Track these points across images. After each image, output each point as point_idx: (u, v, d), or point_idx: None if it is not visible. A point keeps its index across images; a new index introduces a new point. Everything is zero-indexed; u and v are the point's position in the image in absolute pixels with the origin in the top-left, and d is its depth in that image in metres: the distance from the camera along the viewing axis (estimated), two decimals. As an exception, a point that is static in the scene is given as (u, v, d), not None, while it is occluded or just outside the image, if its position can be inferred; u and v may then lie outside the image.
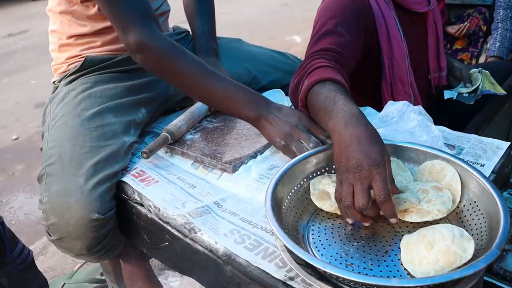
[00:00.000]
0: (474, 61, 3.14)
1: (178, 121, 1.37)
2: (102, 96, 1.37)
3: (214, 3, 1.73)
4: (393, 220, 0.89)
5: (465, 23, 3.00)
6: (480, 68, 1.76)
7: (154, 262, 1.99)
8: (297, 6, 7.65)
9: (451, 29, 3.04)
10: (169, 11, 1.69)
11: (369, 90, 1.63)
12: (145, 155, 1.27)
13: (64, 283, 1.96)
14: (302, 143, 1.15)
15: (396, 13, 1.61)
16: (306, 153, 1.04)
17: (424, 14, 1.71)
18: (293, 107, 1.28)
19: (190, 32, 1.76)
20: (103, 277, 1.93)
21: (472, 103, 1.67)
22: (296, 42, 5.96)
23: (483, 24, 3.08)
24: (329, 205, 0.97)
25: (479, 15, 3.10)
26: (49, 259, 2.44)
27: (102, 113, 1.33)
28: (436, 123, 1.34)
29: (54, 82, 1.53)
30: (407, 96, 1.62)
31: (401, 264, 0.84)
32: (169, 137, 1.31)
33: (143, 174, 1.25)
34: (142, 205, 1.19)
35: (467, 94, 1.70)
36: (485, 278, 1.71)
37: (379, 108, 1.38)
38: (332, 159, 0.97)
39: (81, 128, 1.28)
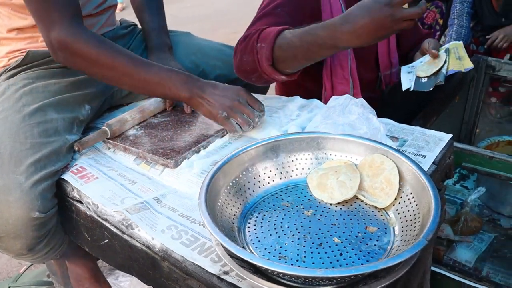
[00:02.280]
0: (432, 55, 3.21)
1: (121, 116, 1.37)
2: (44, 92, 1.36)
3: None
4: None
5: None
6: (447, 47, 1.60)
7: (105, 262, 1.98)
8: (259, 0, 7.66)
9: None
10: (116, 5, 1.68)
11: (313, 70, 1.62)
12: (76, 148, 1.28)
13: (9, 287, 1.93)
14: (245, 116, 1.25)
15: (346, 3, 1.64)
16: (245, 146, 1.06)
17: None
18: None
19: (138, 25, 1.76)
20: (50, 279, 1.91)
21: (431, 89, 1.50)
22: (258, 37, 5.97)
23: (440, 18, 3.16)
24: (327, 196, 1.01)
25: (435, 8, 3.18)
26: (-7, 262, 2.41)
27: (44, 109, 1.31)
28: (386, 115, 1.37)
29: None
30: (345, 81, 1.66)
31: (333, 240, 0.87)
32: (108, 131, 1.31)
33: (83, 170, 1.25)
34: (81, 202, 1.19)
35: (425, 79, 1.53)
36: (435, 269, 1.77)
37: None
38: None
39: (22, 124, 1.26)
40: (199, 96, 1.28)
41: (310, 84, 1.74)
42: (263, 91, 1.75)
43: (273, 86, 1.98)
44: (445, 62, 1.53)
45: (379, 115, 1.28)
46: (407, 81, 1.57)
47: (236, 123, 1.26)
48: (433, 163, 1.17)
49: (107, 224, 1.10)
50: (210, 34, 5.83)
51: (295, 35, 1.27)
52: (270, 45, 1.29)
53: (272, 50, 1.29)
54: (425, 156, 1.19)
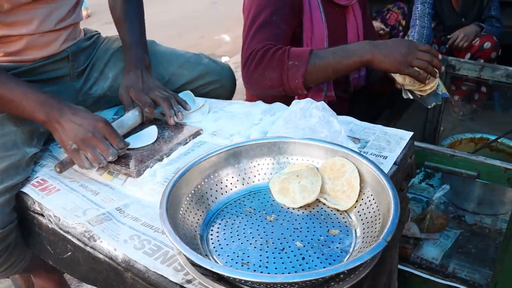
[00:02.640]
0: (396, 56, 3.26)
1: None
2: None
3: (143, 4, 1.69)
4: None
5: (383, 30, 3.15)
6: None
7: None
8: (227, 4, 7.68)
9: None
10: (79, 22, 1.63)
11: None
12: (58, 170, 1.23)
13: (-27, 303, 1.90)
14: (98, 151, 1.18)
15: (322, 1, 1.75)
16: (207, 153, 1.06)
17: (345, 9, 1.82)
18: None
19: (100, 34, 1.74)
20: (16, 294, 1.88)
21: (430, 107, 1.67)
22: (225, 41, 5.99)
23: (402, 19, 3.21)
24: (289, 200, 1.02)
25: (398, 10, 3.23)
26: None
27: (2, 123, 1.29)
28: (354, 115, 1.40)
29: None
30: None
31: (296, 245, 0.88)
32: None
33: (44, 183, 1.23)
34: (43, 215, 1.17)
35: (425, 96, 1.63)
36: (403, 267, 1.79)
37: None
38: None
39: None
40: (56, 121, 1.21)
41: None
42: (228, 98, 1.75)
43: (240, 92, 1.99)
44: (438, 84, 1.62)
45: (348, 114, 1.36)
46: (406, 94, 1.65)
47: (86, 158, 1.20)
48: (394, 163, 1.19)
49: (69, 237, 1.09)
50: (178, 39, 5.82)
51: (327, 52, 1.53)
52: (305, 63, 1.49)
53: (306, 67, 1.49)
54: (386, 157, 1.20)
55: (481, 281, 1.74)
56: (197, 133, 1.36)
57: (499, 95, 3.16)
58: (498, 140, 2.15)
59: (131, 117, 1.42)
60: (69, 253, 1.12)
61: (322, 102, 1.21)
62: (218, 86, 1.73)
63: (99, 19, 6.64)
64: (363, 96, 2.07)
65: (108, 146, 1.19)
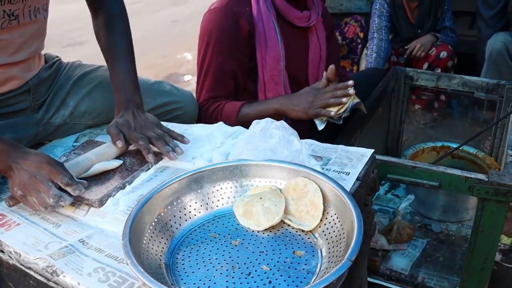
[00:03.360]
0: (355, 68, 3.32)
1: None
2: None
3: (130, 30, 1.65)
4: None
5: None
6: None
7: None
8: (188, 22, 7.68)
9: None
10: (40, 54, 1.60)
11: (251, 86, 1.92)
12: (10, 203, 1.20)
13: None
14: (42, 194, 1.14)
15: (279, 22, 1.84)
16: (167, 180, 1.05)
17: (306, 30, 1.89)
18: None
19: (61, 59, 1.70)
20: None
21: (341, 122, 1.75)
22: (187, 60, 5.98)
23: (360, 31, 3.27)
24: (254, 223, 1.02)
25: (355, 22, 3.29)
26: None
27: None
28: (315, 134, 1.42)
29: None
30: (278, 95, 1.86)
31: (262, 268, 0.87)
32: None
33: (3, 218, 1.20)
34: (2, 251, 1.14)
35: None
36: (372, 280, 1.80)
37: None
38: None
39: None
40: (9, 168, 1.18)
41: (246, 99, 1.87)
42: (191, 123, 1.75)
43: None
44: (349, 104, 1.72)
45: (309, 134, 1.35)
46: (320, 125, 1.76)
47: (35, 201, 1.16)
48: (357, 179, 1.20)
49: (32, 273, 1.06)
50: (141, 59, 5.77)
51: (252, 108, 1.79)
52: (235, 122, 1.76)
53: (236, 123, 1.67)
54: (349, 173, 1.22)
55: (449, 288, 1.77)
56: (159, 158, 1.35)
57: (456, 103, 3.23)
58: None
59: (106, 149, 1.37)
60: (32, 289, 1.10)
61: (282, 121, 1.21)
62: (181, 112, 1.74)
63: (59, 42, 6.57)
64: None
65: (50, 187, 1.14)
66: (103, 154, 1.34)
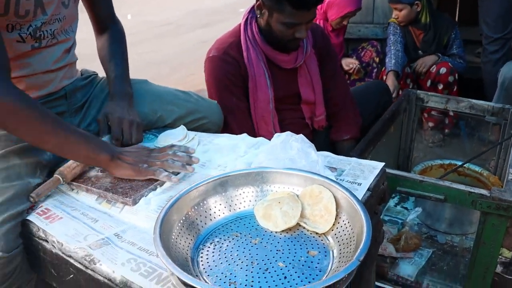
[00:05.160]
0: (370, 90, 3.34)
1: (72, 162, 1.36)
2: (7, 140, 1.35)
3: (127, 46, 1.73)
4: None
5: (356, 65, 3.24)
6: None
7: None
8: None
9: (346, 66, 3.27)
10: (75, 61, 1.66)
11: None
12: (32, 199, 1.25)
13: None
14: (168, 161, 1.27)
15: (269, 65, 1.92)
16: (196, 183, 1.08)
17: (295, 70, 1.95)
18: None
19: (100, 74, 1.77)
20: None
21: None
22: (214, 77, 6.02)
23: (376, 56, 3.29)
24: (272, 225, 1.04)
25: (372, 48, 3.31)
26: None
27: (7, 156, 1.31)
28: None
29: None
30: (269, 134, 1.81)
31: (278, 265, 0.90)
32: (61, 179, 1.31)
33: (48, 211, 1.25)
34: (47, 241, 1.19)
35: None
36: (380, 284, 1.81)
37: None
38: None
39: None
40: (117, 157, 1.29)
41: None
42: (217, 131, 1.80)
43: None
44: None
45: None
46: None
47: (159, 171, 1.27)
48: (368, 189, 1.22)
49: (72, 260, 1.11)
50: (169, 77, 5.84)
51: None
52: None
53: None
54: (361, 183, 1.24)
55: (452, 296, 1.77)
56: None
57: (464, 124, 3.23)
58: (465, 165, 2.19)
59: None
60: (71, 276, 1.14)
61: (301, 135, 1.25)
62: (207, 121, 1.77)
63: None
64: (324, 135, 2.21)
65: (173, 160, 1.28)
66: None
